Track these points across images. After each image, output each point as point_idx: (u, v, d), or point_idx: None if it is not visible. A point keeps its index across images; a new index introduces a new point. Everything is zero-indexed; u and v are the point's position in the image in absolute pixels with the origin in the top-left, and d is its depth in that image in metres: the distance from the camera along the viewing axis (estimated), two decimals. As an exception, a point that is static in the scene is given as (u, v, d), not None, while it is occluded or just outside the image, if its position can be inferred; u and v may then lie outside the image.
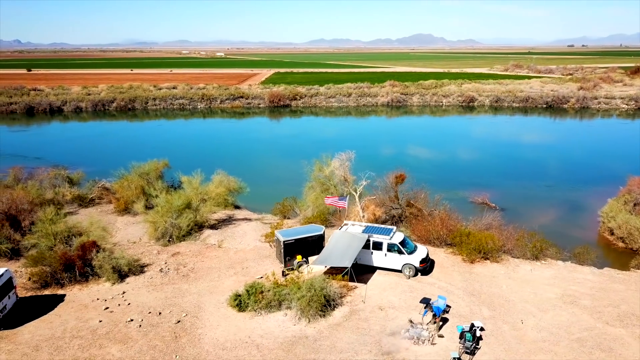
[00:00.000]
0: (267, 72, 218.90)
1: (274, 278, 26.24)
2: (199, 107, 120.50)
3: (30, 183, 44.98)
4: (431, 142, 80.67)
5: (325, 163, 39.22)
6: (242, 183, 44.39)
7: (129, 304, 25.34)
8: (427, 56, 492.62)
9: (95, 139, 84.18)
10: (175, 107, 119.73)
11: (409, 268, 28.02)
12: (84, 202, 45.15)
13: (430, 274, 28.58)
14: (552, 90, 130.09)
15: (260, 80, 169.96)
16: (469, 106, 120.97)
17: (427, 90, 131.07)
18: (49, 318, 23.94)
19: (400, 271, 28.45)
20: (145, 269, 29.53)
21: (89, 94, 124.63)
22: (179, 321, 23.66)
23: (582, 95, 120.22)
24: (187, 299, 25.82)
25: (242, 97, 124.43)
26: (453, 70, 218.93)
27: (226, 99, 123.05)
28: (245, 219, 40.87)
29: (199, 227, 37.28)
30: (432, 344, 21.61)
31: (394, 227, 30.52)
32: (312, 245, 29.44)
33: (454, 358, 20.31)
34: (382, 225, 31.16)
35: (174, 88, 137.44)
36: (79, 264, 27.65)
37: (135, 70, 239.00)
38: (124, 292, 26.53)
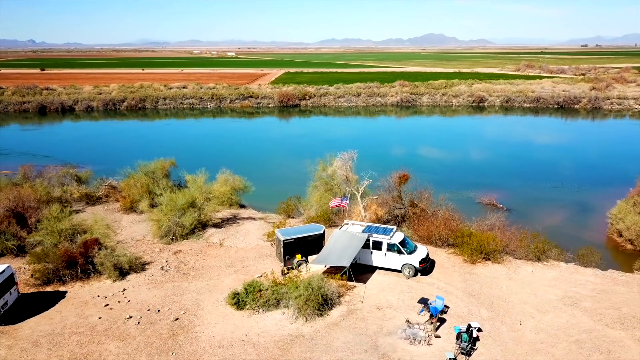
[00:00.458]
0: (277, 72, 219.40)
1: (273, 277, 26.30)
2: (208, 106, 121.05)
3: (38, 181, 45.48)
4: (440, 142, 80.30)
5: (329, 163, 39.29)
6: (247, 182, 44.62)
7: (128, 301, 25.57)
8: (438, 56, 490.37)
9: (105, 137, 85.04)
10: (185, 106, 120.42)
11: (409, 268, 27.94)
12: (91, 200, 45.57)
13: (430, 274, 28.46)
14: (563, 91, 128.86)
15: (270, 80, 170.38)
16: (479, 106, 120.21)
17: (436, 90, 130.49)
18: (50, 314, 24.25)
19: (399, 271, 28.37)
20: (147, 266, 29.77)
21: (100, 94, 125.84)
22: (177, 319, 23.83)
23: (594, 96, 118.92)
24: (186, 297, 25.99)
25: (251, 96, 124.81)
26: (464, 70, 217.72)
27: (236, 99, 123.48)
28: (250, 218, 40.99)
29: (203, 225, 37.48)
30: (429, 344, 21.52)
31: (394, 227, 30.43)
32: (312, 245, 29.46)
33: (450, 358, 20.22)
34: (382, 225, 31.09)
35: (184, 88, 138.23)
36: (81, 261, 27.96)
37: (147, 70, 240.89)
38: (124, 290, 26.77)
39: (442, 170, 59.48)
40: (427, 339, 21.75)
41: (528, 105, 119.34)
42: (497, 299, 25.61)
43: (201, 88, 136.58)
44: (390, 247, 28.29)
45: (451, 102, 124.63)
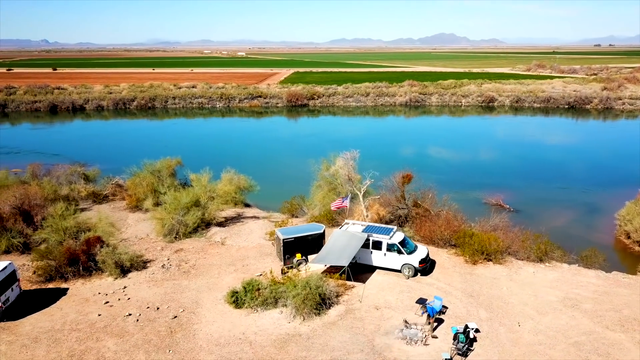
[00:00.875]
0: (286, 72, 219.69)
1: (272, 276, 26.36)
2: (217, 106, 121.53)
3: (45, 179, 45.94)
4: (448, 143, 79.93)
5: (333, 162, 39.26)
6: (252, 181, 44.67)
7: (128, 298, 25.78)
8: (448, 56, 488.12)
9: (114, 136, 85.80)
10: (194, 106, 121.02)
11: (408, 268, 27.86)
12: (98, 198, 45.96)
13: (430, 275, 28.37)
14: (574, 91, 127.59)
15: (279, 80, 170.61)
16: (488, 106, 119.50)
17: (446, 90, 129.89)
18: (51, 311, 24.52)
19: (399, 271, 28.31)
20: (148, 264, 29.99)
21: (111, 93, 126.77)
22: (175, 316, 23.97)
23: (605, 96, 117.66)
24: (186, 295, 26.14)
25: (260, 96, 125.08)
26: (474, 70, 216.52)
27: (244, 98, 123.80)
28: (254, 217, 41.12)
29: (207, 224, 37.63)
30: (425, 344, 21.46)
31: (394, 227, 30.36)
32: (312, 244, 29.49)
33: (446, 359, 20.15)
34: (382, 225, 31.02)
35: (193, 87, 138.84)
36: (83, 258, 28.24)
37: (157, 70, 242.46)
38: (125, 287, 27.00)
39: (449, 171, 59.26)
40: (424, 339, 21.68)
41: (538, 106, 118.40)
42: (496, 299, 25.46)
43: (210, 88, 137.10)
44: (390, 247, 28.23)
45: (460, 102, 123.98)
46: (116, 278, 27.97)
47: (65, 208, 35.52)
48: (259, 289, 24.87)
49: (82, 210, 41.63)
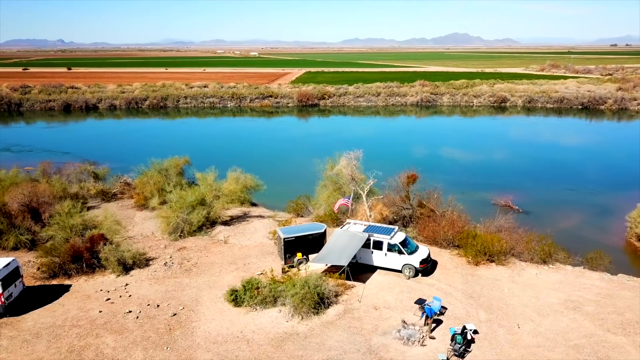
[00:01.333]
0: (298, 72, 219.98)
1: (272, 274, 26.43)
2: (229, 105, 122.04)
3: (55, 177, 46.52)
4: (458, 143, 79.38)
5: (338, 162, 39.17)
6: (258, 180, 44.78)
7: (130, 295, 26.03)
8: (461, 56, 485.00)
9: (125, 135, 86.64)
10: (205, 105, 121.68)
11: (409, 268, 27.76)
12: (106, 196, 46.42)
13: (431, 275, 28.24)
14: (588, 91, 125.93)
15: (290, 80, 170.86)
16: (500, 107, 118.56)
17: (457, 90, 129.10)
18: (53, 307, 24.85)
19: (400, 271, 28.22)
20: (151, 262, 30.23)
21: (123, 92, 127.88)
22: (175, 314, 24.15)
23: (620, 96, 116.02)
24: (186, 293, 26.32)
25: (271, 96, 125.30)
26: (487, 70, 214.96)
27: (255, 98, 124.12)
28: (260, 216, 41.24)
29: (212, 223, 37.82)
30: (422, 345, 21.36)
31: (396, 227, 30.28)
32: (312, 243, 29.51)
33: (442, 360, 20.06)
34: (384, 225, 30.94)
35: (205, 87, 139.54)
36: (87, 255, 28.57)
37: (170, 69, 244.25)
38: (126, 284, 27.25)
39: (459, 171, 58.89)
40: (421, 340, 21.58)
41: (551, 106, 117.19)
42: (497, 301, 25.26)
43: (222, 87, 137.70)
44: (391, 247, 28.15)
45: (472, 102, 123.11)
46: (118, 275, 28.25)
47: (72, 206, 35.90)
48: (258, 288, 24.96)
49: (91, 208, 42.11)
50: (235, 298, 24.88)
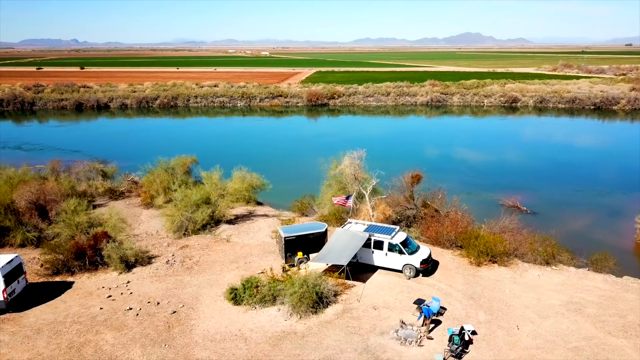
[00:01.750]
0: (308, 71, 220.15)
1: (271, 273, 26.49)
2: (238, 105, 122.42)
3: (63, 175, 47.04)
4: (468, 143, 78.88)
5: (342, 161, 39.13)
6: (264, 180, 44.94)
7: (131, 293, 26.25)
8: (473, 55, 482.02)
9: (135, 134, 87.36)
10: (215, 104, 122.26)
11: (409, 268, 27.67)
12: (114, 194, 46.82)
13: (432, 275, 28.11)
14: (601, 91, 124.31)
15: (300, 79, 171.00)
16: (511, 107, 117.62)
17: (468, 90, 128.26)
18: (55, 303, 25.15)
19: (401, 271, 28.13)
20: (153, 260, 30.46)
21: (134, 91, 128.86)
22: (174, 312, 24.32)
23: (633, 97, 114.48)
24: (187, 291, 26.48)
25: (280, 95, 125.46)
26: (498, 70, 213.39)
27: (265, 98, 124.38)
28: (265, 215, 41.35)
29: (216, 222, 37.96)
30: (420, 345, 21.28)
31: (397, 227, 30.19)
32: (313, 243, 29.53)
33: (439, 361, 19.96)
34: (385, 225, 30.87)
35: (215, 86, 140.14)
36: (90, 253, 28.88)
37: (181, 69, 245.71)
38: (128, 282, 27.49)
39: (467, 171, 58.58)
40: (419, 341, 21.50)
41: (563, 106, 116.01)
42: (497, 302, 25.08)
43: (232, 87, 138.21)
44: (392, 247, 28.07)
45: (482, 102, 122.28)
46: (121, 273, 28.51)
47: (78, 203, 36.27)
48: (257, 287, 25.03)
49: (98, 206, 42.50)
50: (235, 296, 24.99)
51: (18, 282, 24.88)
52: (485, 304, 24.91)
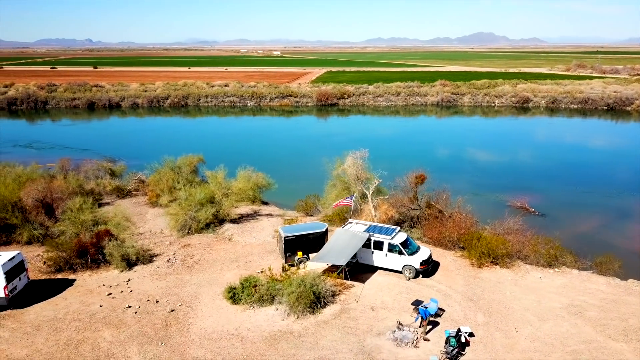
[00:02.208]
0: (319, 71, 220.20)
1: (270, 273, 26.51)
2: (248, 104, 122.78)
3: (71, 174, 47.49)
4: (478, 143, 78.28)
5: (345, 161, 39.05)
6: (270, 179, 45.00)
7: (131, 291, 26.44)
8: (485, 55, 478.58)
9: (146, 133, 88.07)
10: (226, 104, 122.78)
11: (409, 269, 27.53)
12: (121, 193, 47.22)
13: (432, 277, 27.93)
14: (614, 92, 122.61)
15: (311, 79, 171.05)
16: (522, 107, 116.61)
17: (479, 90, 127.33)
18: (56, 300, 25.41)
19: (400, 272, 28.01)
20: (155, 258, 30.63)
21: (146, 91, 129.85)
22: (173, 310, 24.44)
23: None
24: (186, 289, 26.60)
25: (290, 95, 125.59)
26: (510, 70, 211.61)
27: (275, 97, 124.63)
28: (269, 214, 41.40)
29: (220, 221, 38.08)
30: (416, 347, 21.16)
31: (398, 228, 30.07)
32: (313, 242, 29.51)
33: (434, 363, 19.83)
34: (386, 225, 30.75)
35: (225, 86, 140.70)
36: (92, 251, 29.14)
37: (193, 68, 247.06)
38: (129, 280, 27.70)
39: (476, 172, 58.15)
40: (415, 342, 21.38)
41: (575, 107, 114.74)
42: (497, 304, 24.85)
43: (242, 86, 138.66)
44: (392, 248, 27.95)
45: (493, 102, 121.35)
46: (122, 271, 28.72)
47: (83, 202, 36.62)
48: (255, 286, 25.08)
49: (106, 204, 42.87)
50: (233, 295, 25.05)
51: (20, 279, 25.18)
52: (485, 305, 24.70)
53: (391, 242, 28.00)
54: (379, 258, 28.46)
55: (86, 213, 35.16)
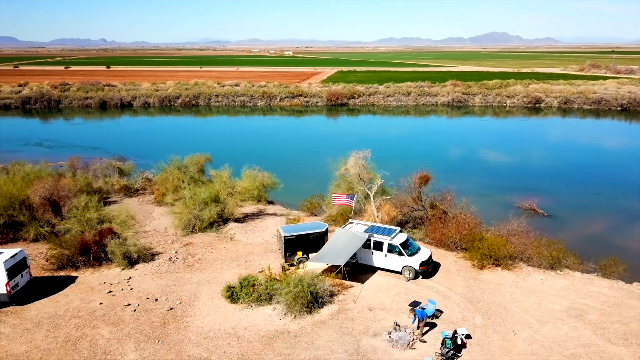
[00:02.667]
0: (329, 71, 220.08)
1: (269, 272, 26.57)
2: (259, 104, 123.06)
3: (79, 172, 48.00)
4: (488, 144, 77.63)
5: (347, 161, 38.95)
6: (275, 179, 45.08)
7: (131, 289, 26.67)
8: (498, 55, 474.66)
9: (156, 132, 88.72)
10: (236, 104, 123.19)
11: (409, 270, 27.41)
12: (129, 192, 47.63)
13: (432, 278, 27.79)
14: (629, 92, 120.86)
15: (321, 79, 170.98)
16: (534, 107, 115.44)
17: (490, 91, 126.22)
18: (57, 298, 25.72)
19: (400, 273, 27.91)
20: (156, 257, 30.86)
21: (157, 90, 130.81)
22: (171, 308, 24.60)
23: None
24: (186, 288, 26.76)
25: (301, 95, 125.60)
26: (523, 70, 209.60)
27: (285, 97, 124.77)
28: (274, 214, 41.47)
29: (225, 220, 38.21)
30: (412, 348, 21.07)
31: (398, 228, 29.95)
32: (313, 242, 29.51)
33: (429, 364, 19.73)
34: (386, 226, 30.64)
35: (236, 85, 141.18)
36: (94, 249, 29.44)
37: (205, 68, 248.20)
38: (129, 278, 27.94)
39: (485, 173, 57.65)
40: (411, 343, 21.29)
41: (588, 107, 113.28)
42: (496, 306, 24.65)
43: (253, 86, 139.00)
44: (391, 248, 27.86)
45: (505, 102, 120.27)
46: (123, 269, 28.98)
47: (89, 200, 36.99)
48: (254, 285, 25.15)
49: (113, 202, 43.24)
50: (232, 294, 25.16)
51: (22, 275, 25.52)
52: (484, 307, 24.52)
53: (391, 242, 27.92)
54: (378, 258, 28.39)
55: (92, 211, 35.51)
